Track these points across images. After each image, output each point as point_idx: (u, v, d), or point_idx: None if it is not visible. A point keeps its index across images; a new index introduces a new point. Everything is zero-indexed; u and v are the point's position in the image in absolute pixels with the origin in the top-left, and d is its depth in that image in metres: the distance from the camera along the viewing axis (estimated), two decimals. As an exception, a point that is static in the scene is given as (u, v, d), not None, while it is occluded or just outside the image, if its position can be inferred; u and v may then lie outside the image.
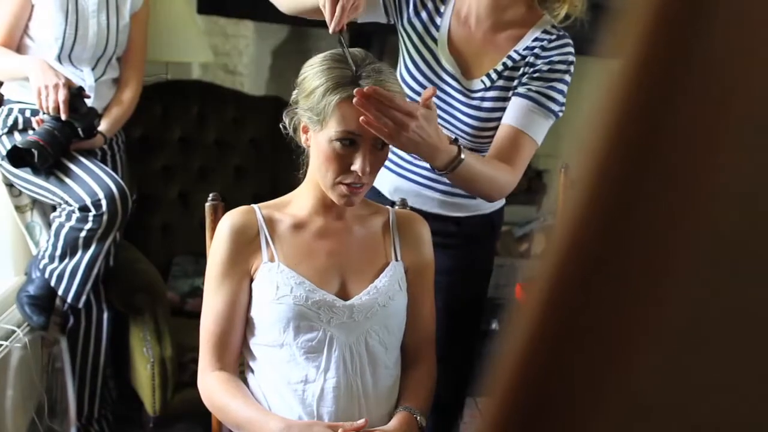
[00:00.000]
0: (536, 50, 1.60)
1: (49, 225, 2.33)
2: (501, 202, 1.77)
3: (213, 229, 1.52)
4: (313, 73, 1.37)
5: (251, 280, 1.42)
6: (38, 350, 2.33)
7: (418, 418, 1.40)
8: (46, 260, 2.20)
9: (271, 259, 1.41)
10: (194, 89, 3.07)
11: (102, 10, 2.30)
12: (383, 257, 1.48)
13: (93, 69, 2.32)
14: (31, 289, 2.21)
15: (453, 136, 1.48)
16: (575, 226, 0.29)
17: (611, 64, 0.29)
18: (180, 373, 2.37)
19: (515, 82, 1.61)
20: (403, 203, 1.66)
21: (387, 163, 1.69)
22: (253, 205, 1.47)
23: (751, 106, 0.27)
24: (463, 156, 1.41)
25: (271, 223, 1.44)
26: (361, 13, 1.53)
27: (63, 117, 2.11)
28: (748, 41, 0.26)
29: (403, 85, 1.61)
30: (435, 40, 1.64)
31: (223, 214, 1.49)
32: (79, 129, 2.15)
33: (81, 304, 2.24)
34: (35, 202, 2.33)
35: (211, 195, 1.60)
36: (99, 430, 2.44)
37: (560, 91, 1.60)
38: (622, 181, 0.28)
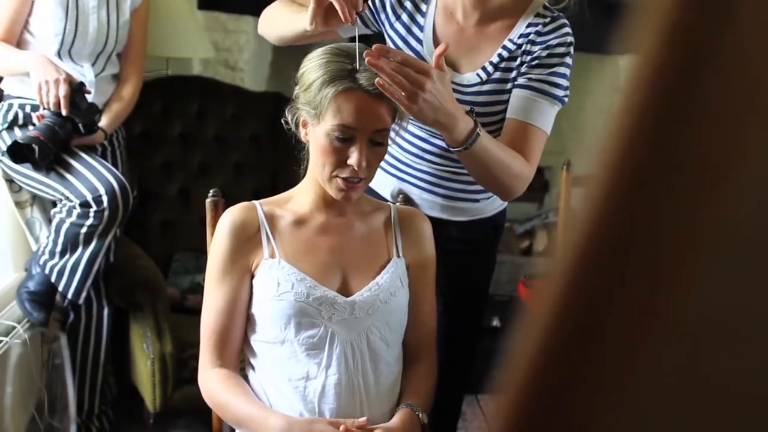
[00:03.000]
0: (531, 36, 1.52)
1: (49, 221, 2.33)
2: (503, 204, 1.73)
3: (213, 226, 1.51)
4: (311, 66, 1.37)
5: (252, 277, 1.42)
6: (38, 347, 2.32)
7: (420, 415, 1.40)
8: (46, 256, 2.20)
9: (272, 256, 1.41)
10: (194, 85, 3.07)
11: (102, 6, 2.29)
12: (385, 253, 1.47)
13: (93, 65, 2.31)
14: (31, 285, 2.21)
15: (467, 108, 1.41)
16: (592, 225, 0.29)
17: (621, 61, 0.29)
18: (180, 369, 2.37)
19: (513, 73, 1.53)
20: (405, 199, 1.66)
21: (388, 167, 1.67)
22: (253, 201, 1.46)
23: None
24: (479, 130, 1.37)
25: (271, 219, 1.44)
26: (343, 27, 1.50)
27: (63, 112, 2.11)
28: None
29: None
30: (420, 41, 1.57)
31: (223, 210, 1.49)
32: (80, 125, 2.15)
33: (81, 301, 2.24)
34: (35, 198, 2.33)
35: (211, 191, 1.60)
36: (99, 426, 2.44)
37: (562, 75, 1.52)
38: (642, 179, 0.28)
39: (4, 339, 2.09)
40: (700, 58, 0.27)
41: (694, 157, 0.27)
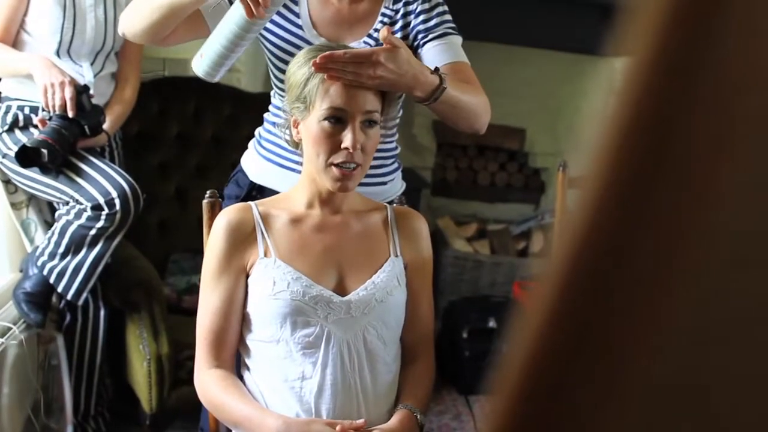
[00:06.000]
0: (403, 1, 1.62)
1: (45, 222, 2.32)
2: (402, 185, 1.76)
3: (210, 226, 1.51)
4: (295, 67, 1.40)
5: (247, 277, 1.42)
6: (34, 347, 2.32)
7: (418, 416, 1.40)
8: (45, 257, 2.19)
9: (267, 255, 1.41)
10: (191, 86, 3.05)
11: (99, 4, 2.29)
12: (382, 253, 1.47)
13: (92, 64, 2.31)
14: (28, 286, 2.20)
15: (433, 66, 1.50)
16: (585, 227, 0.29)
17: (616, 63, 0.29)
18: (177, 370, 2.37)
19: (409, 39, 1.61)
20: (401, 200, 1.66)
21: (295, 165, 1.67)
22: (249, 202, 1.47)
23: (765, 105, 0.27)
24: (445, 85, 1.44)
25: (267, 218, 1.44)
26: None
27: (70, 114, 2.10)
28: (764, 40, 0.26)
29: (281, 95, 1.64)
30: (300, 27, 1.62)
31: (220, 210, 1.49)
32: (86, 126, 2.14)
33: (81, 302, 2.23)
34: (31, 199, 2.32)
35: (208, 192, 1.60)
36: (96, 427, 2.44)
37: (445, 12, 1.62)
38: (635, 180, 0.28)
39: (0, 340, 2.08)
40: (693, 60, 0.27)
41: (686, 158, 0.28)
